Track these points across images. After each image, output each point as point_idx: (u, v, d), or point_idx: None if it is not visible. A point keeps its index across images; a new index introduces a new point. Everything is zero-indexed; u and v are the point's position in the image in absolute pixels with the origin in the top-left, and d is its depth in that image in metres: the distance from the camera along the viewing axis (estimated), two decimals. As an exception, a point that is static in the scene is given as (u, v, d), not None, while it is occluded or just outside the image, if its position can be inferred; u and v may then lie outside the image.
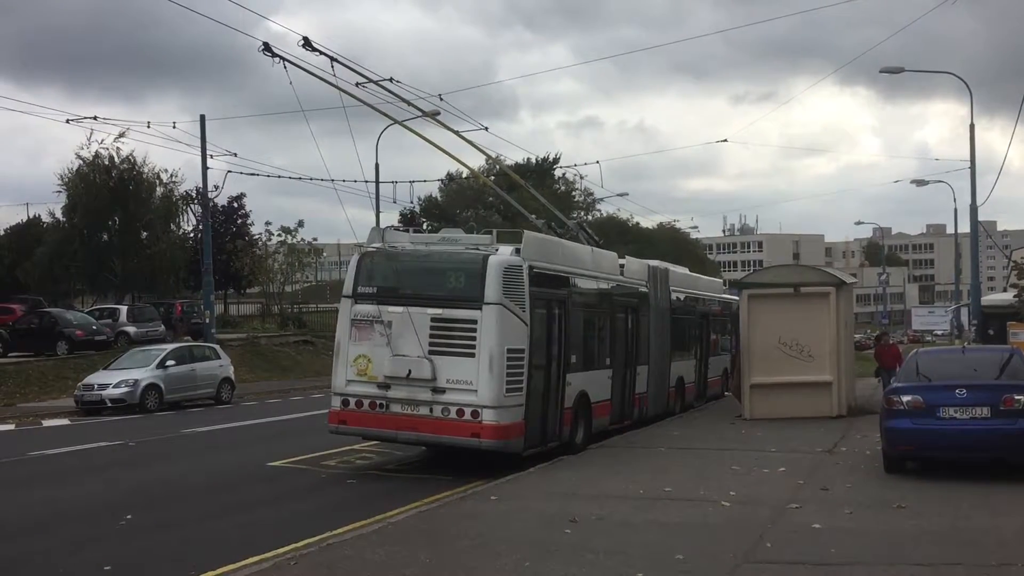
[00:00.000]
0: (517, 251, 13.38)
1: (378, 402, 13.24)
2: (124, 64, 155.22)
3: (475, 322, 12.74)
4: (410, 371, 12.94)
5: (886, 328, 51.00)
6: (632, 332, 17.94)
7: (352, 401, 13.45)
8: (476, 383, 12.64)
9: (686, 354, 22.15)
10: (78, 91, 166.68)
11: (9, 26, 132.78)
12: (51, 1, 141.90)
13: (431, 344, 12.95)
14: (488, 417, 12.58)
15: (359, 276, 13.66)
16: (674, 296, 20.91)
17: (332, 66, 14.56)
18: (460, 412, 12.72)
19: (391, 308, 13.22)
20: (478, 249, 13.38)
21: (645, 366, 18.50)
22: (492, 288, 12.74)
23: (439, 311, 13.03)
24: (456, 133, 18.40)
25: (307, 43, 14.28)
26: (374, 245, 13.95)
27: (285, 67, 14.18)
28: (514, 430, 12.92)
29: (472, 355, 12.71)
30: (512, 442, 12.95)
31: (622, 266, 18.31)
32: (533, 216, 18.29)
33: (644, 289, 18.99)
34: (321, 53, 14.41)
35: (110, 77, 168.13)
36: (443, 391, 12.82)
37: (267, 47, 14.01)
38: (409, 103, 17.29)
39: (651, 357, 18.86)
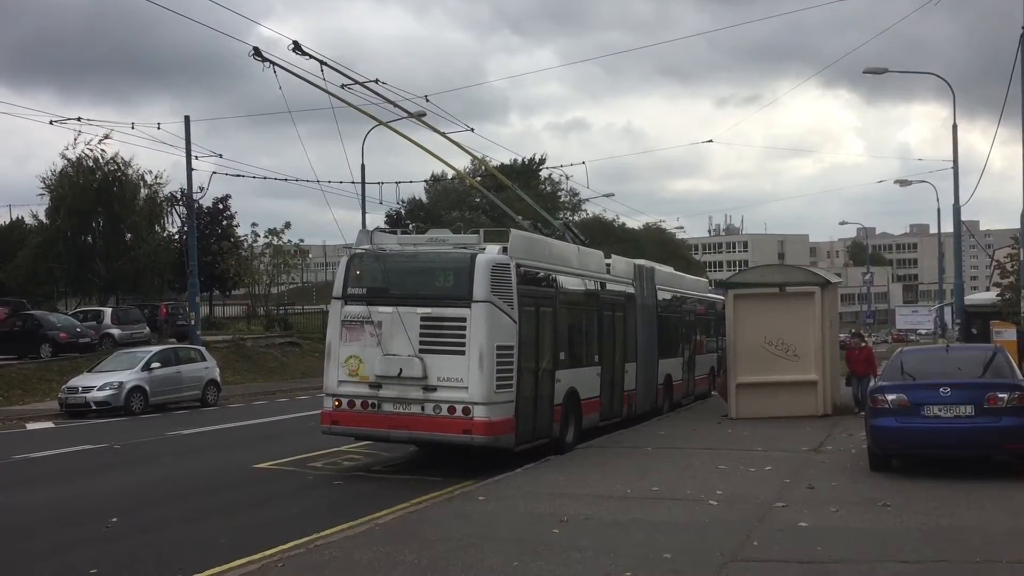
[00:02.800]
0: (504, 250, 13.49)
1: (370, 402, 13.35)
2: (116, 68, 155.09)
3: (464, 320, 12.85)
4: (401, 370, 13.06)
5: (871, 327, 51.06)
6: (619, 330, 18.09)
7: (344, 401, 13.53)
8: (467, 380, 12.75)
9: (673, 352, 22.28)
10: (71, 95, 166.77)
11: (3, 31, 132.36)
12: (45, 6, 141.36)
13: (421, 343, 13.07)
14: (479, 414, 12.69)
15: (348, 278, 13.77)
16: (660, 295, 21.07)
17: (322, 70, 14.67)
18: (451, 409, 12.83)
19: (381, 308, 13.34)
20: (466, 248, 13.54)
21: (633, 364, 18.67)
22: (480, 286, 12.86)
23: (428, 310, 13.14)
24: (442, 134, 18.48)
25: (297, 47, 14.38)
26: (363, 247, 14.05)
27: (275, 71, 14.31)
28: (505, 426, 13.03)
29: (462, 353, 12.81)
30: (503, 438, 13.06)
31: (608, 265, 18.42)
32: (520, 217, 18.42)
33: (631, 287, 19.14)
34: (311, 57, 14.50)
35: (102, 81, 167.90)
36: (434, 389, 12.93)
37: (257, 51, 14.09)
38: (395, 104, 17.32)
39: (639, 355, 19.01)
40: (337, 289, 13.88)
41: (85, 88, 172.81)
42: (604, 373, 16.95)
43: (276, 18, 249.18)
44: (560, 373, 14.71)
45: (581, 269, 16.69)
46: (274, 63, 14.28)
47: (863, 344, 19.43)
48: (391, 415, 13.21)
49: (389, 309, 13.26)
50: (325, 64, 14.73)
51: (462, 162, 36.32)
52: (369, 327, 13.36)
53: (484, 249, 13.39)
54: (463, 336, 12.84)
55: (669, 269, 24.91)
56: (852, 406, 19.30)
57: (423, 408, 12.99)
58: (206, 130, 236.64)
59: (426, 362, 12.97)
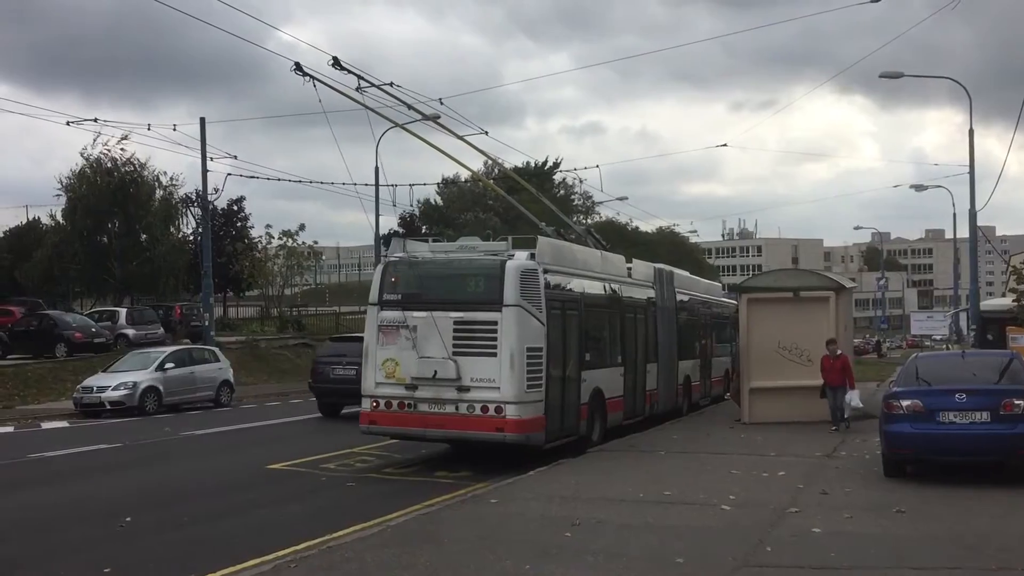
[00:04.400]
0: (532, 256, 14.05)
1: (406, 402, 13.88)
2: (138, 71, 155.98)
3: (495, 323, 13.39)
4: (436, 372, 13.59)
5: (885, 332, 50.58)
6: (641, 332, 18.56)
7: (382, 402, 14.06)
8: (498, 380, 13.29)
9: (691, 354, 22.64)
10: (93, 97, 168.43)
11: (29, 34, 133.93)
12: (69, 10, 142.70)
13: (455, 345, 13.59)
14: (511, 412, 13.23)
15: (384, 284, 14.30)
16: (678, 298, 21.45)
17: (358, 84, 15.80)
18: (484, 408, 13.35)
19: (416, 313, 13.89)
20: (496, 255, 14.07)
21: (654, 364, 19.14)
22: (510, 291, 13.41)
23: (461, 314, 13.67)
24: (460, 137, 18.96)
25: (336, 62, 15.34)
26: (397, 254, 14.65)
27: (315, 85, 15.26)
28: (536, 424, 13.55)
29: (494, 354, 13.35)
30: (534, 435, 13.58)
31: (629, 269, 18.98)
32: (543, 224, 18.88)
33: (651, 291, 19.63)
34: (349, 72, 15.50)
35: (124, 84, 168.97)
36: (467, 389, 13.46)
37: (298, 67, 14.97)
38: (411, 107, 17.68)
39: (659, 356, 19.46)
40: (373, 295, 14.36)
41: (107, 90, 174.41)
42: (627, 373, 17.40)
43: (295, 22, 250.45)
44: (586, 373, 15.17)
45: (604, 273, 17.22)
46: (314, 78, 15.17)
47: (839, 353, 17.55)
48: (427, 415, 13.71)
49: (423, 314, 13.79)
50: (363, 79, 15.80)
51: (476, 164, 36.59)
52: (404, 331, 13.87)
53: (513, 255, 13.89)
54: (494, 339, 13.36)
55: (685, 273, 25.13)
56: (880, 406, 18.88)
57: (457, 408, 13.51)
58: (224, 132, 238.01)
59: (459, 364, 13.48)
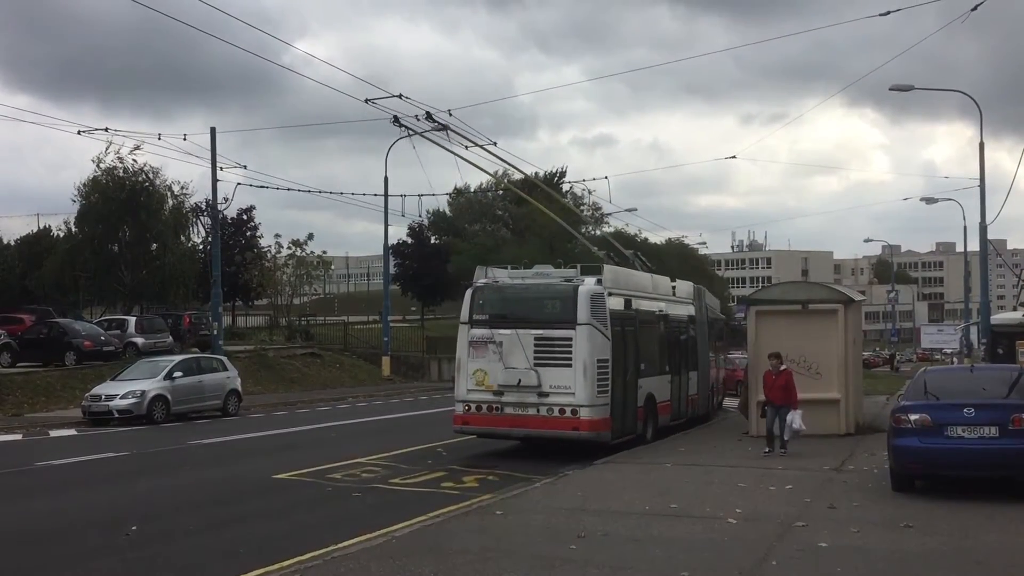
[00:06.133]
0: (599, 281, 16.35)
1: (494, 406, 16.13)
2: (157, 83, 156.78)
3: (570, 339, 15.66)
4: (520, 380, 15.84)
5: (895, 345, 50.10)
6: (684, 342, 21.00)
7: (472, 406, 16.33)
8: (573, 387, 15.56)
9: (715, 363, 25.03)
10: (111, 108, 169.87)
11: (48, 46, 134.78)
12: (89, 24, 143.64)
13: (535, 358, 15.83)
14: (584, 414, 15.53)
15: (473, 305, 16.57)
16: (708, 311, 23.60)
17: (447, 134, 18.82)
18: (561, 411, 15.63)
19: (501, 330, 16.14)
20: (568, 280, 16.37)
21: (695, 372, 21.57)
22: (583, 311, 15.68)
23: (541, 331, 15.96)
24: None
25: (428, 116, 18.32)
26: (482, 280, 16.93)
27: (410, 135, 18.62)
28: (604, 424, 15.89)
29: (569, 365, 15.62)
30: (603, 433, 15.88)
31: (674, 288, 21.52)
32: (595, 248, 21.88)
33: (691, 307, 22.09)
34: (436, 122, 18.54)
35: (143, 95, 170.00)
36: (547, 395, 15.73)
37: (396, 120, 17.86)
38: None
39: (699, 364, 21.87)
40: (464, 315, 16.65)
41: (126, 101, 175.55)
42: (673, 380, 19.82)
43: (311, 36, 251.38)
44: (641, 381, 17.53)
45: (655, 293, 19.79)
46: (411, 129, 18.28)
47: (782, 368, 16.13)
48: (512, 416, 15.99)
49: (508, 331, 16.05)
50: (448, 128, 18.80)
51: (484, 175, 36.83)
52: (492, 346, 16.11)
53: (583, 281, 16.20)
54: (569, 352, 15.61)
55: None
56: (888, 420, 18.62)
57: (538, 410, 15.77)
58: (238, 143, 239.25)
59: (540, 373, 15.74)
